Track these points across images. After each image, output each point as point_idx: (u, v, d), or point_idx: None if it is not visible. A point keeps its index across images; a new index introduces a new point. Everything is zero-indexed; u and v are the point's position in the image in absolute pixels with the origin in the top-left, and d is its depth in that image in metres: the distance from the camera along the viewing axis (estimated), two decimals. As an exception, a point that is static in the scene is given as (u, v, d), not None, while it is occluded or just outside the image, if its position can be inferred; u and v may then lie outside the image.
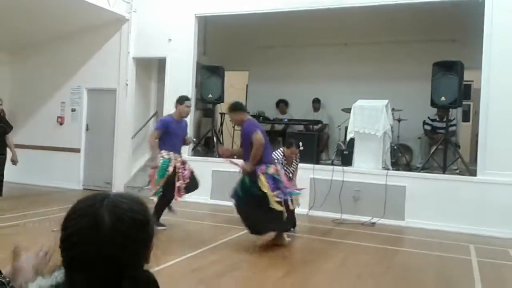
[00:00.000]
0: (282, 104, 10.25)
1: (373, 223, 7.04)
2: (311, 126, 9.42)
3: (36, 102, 10.19)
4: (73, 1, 7.93)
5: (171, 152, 6.01)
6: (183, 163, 6.17)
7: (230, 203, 8.08)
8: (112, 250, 1.02)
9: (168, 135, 6.03)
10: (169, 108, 9.00)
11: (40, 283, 1.11)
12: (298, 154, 6.41)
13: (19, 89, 10.19)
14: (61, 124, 9.93)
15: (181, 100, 6.24)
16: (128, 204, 1.08)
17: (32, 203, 7.50)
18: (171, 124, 6.10)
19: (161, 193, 5.93)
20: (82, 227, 1.03)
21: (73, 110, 9.84)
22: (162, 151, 5.99)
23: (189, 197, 8.46)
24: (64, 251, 1.06)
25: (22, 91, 10.18)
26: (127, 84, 9.39)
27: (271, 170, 5.24)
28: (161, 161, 5.92)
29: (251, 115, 9.87)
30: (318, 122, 9.43)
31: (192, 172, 6.25)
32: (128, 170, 9.47)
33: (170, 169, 5.92)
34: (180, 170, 6.01)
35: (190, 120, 8.95)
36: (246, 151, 5.27)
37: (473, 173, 7.16)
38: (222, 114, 9.80)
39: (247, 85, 11.55)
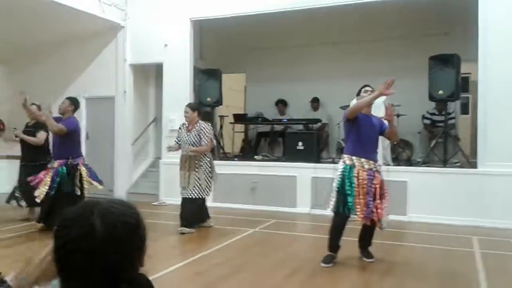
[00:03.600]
0: (280, 105, 10.26)
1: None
2: (310, 125, 9.43)
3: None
4: (67, 9, 7.94)
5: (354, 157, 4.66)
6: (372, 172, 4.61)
7: (233, 205, 8.16)
8: (106, 256, 1.03)
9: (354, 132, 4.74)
10: (167, 114, 9.07)
11: None
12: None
13: (17, 100, 10.18)
14: (61, 133, 9.93)
15: None
16: (119, 209, 1.09)
17: (36, 213, 7.50)
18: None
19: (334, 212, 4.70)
20: (75, 236, 1.04)
21: (72, 119, 9.85)
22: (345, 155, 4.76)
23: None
24: (59, 260, 1.07)
25: (20, 102, 10.17)
26: (125, 91, 9.41)
27: None
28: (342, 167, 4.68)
29: (250, 117, 9.97)
30: (317, 120, 9.44)
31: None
32: (129, 176, 9.49)
33: (354, 180, 4.55)
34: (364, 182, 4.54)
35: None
36: None
37: (473, 165, 7.17)
38: (221, 117, 9.82)
39: (245, 87, 11.58)
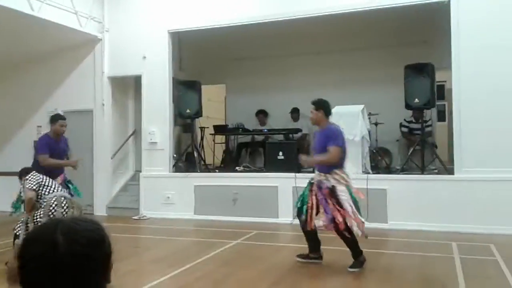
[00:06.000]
0: (261, 115, 10.29)
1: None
2: (291, 135, 9.47)
3: (12, 127, 10.03)
4: (45, 23, 7.87)
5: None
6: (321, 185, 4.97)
7: (214, 217, 8.12)
8: (71, 272, 1.03)
9: None
10: (147, 126, 9.02)
11: None
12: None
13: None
14: (38, 148, 9.78)
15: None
16: (82, 226, 1.10)
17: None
18: None
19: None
20: (38, 253, 1.04)
21: (50, 133, 9.70)
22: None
23: (174, 213, 8.48)
24: (23, 278, 1.06)
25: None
26: (103, 104, 9.33)
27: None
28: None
29: (231, 128, 9.98)
30: (297, 130, 9.49)
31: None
32: (109, 191, 9.36)
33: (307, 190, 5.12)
34: None
35: (169, 135, 8.99)
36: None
37: (451, 171, 7.29)
38: (201, 128, 9.80)
39: (225, 98, 11.59)
